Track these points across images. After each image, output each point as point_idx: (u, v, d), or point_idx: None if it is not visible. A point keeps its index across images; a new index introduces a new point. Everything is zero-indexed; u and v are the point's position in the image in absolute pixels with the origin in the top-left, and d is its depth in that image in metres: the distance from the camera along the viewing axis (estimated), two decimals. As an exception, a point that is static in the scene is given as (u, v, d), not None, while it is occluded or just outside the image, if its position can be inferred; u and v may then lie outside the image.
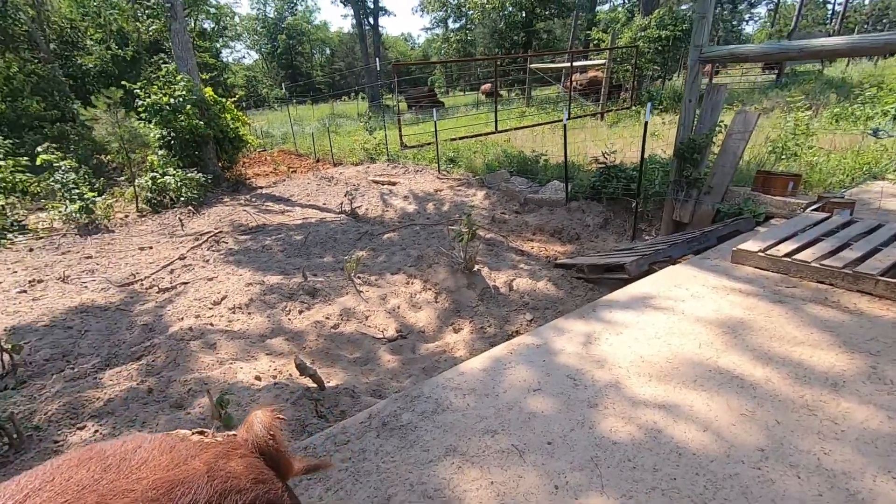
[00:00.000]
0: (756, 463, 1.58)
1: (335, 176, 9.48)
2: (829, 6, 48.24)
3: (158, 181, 6.95)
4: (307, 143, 14.59)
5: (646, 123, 4.89)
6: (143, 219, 6.76)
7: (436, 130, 8.40)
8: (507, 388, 2.07)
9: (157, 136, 7.88)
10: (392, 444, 1.79)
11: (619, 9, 15.38)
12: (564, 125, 5.86)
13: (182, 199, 6.78)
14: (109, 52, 12.11)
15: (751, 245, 3.24)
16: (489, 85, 24.38)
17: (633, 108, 13.67)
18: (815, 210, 3.84)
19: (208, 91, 9.12)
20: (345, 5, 35.72)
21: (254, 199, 7.80)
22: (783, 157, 5.72)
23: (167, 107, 7.61)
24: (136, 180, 7.26)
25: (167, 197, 7.05)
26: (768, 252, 3.12)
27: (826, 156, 5.58)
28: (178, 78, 8.08)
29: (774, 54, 3.87)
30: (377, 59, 34.26)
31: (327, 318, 3.10)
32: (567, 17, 23.37)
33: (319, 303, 3.33)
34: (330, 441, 1.82)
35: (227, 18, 51.76)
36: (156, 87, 7.95)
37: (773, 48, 3.84)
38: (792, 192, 4.12)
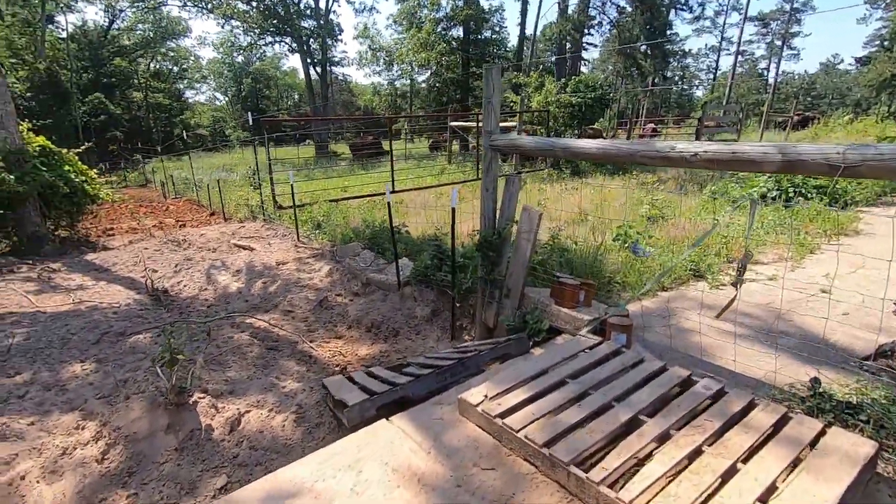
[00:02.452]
0: None
1: (190, 238, 8.51)
2: (765, 76, 53.13)
3: None
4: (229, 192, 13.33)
5: (453, 210, 4.33)
6: None
7: (293, 194, 7.69)
8: None
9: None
10: None
11: (532, 73, 15.74)
12: (388, 202, 5.26)
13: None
14: None
15: (474, 395, 2.55)
16: (443, 136, 24.35)
17: (547, 171, 13.65)
18: (592, 331, 3.26)
19: (39, 140, 8.13)
20: (292, 53, 36.01)
21: (62, 269, 6.68)
22: (626, 245, 5.32)
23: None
24: None
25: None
26: (485, 408, 2.43)
27: (663, 247, 5.20)
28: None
29: (545, 149, 3.42)
30: (323, 106, 34.24)
31: None
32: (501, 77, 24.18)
33: None
34: None
35: (190, 60, 51.50)
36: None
37: (543, 143, 3.39)
38: (585, 302, 3.56)
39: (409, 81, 26.61)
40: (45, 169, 7.86)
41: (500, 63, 21.85)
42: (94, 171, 9.25)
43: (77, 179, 8.58)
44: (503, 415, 2.38)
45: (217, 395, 3.32)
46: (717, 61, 50.68)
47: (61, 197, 8.21)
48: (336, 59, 34.59)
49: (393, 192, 11.18)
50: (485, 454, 2.26)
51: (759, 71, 55.18)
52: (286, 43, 31.37)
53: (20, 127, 7.83)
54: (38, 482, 2.51)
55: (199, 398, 3.15)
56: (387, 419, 2.54)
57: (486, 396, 2.54)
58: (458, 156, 18.77)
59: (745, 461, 2.03)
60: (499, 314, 4.00)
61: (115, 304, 5.21)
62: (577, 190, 10.28)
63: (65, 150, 8.66)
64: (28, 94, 31.90)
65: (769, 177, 8.08)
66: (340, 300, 5.60)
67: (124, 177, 27.64)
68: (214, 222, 11.86)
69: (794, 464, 2.00)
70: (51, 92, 33.77)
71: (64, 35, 37.74)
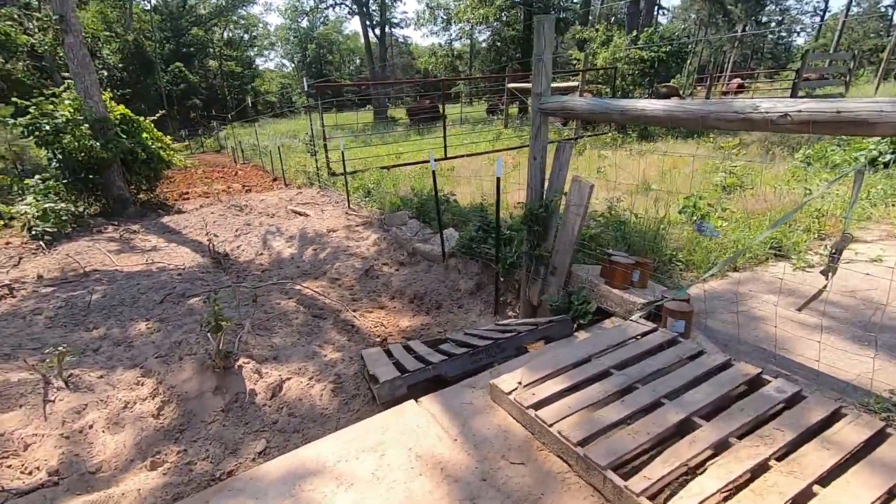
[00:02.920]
0: None
1: (252, 204, 8.88)
2: (889, 16, 44.79)
3: (11, 211, 6.43)
4: (290, 159, 13.72)
5: (497, 180, 4.07)
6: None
7: (343, 161, 7.70)
8: None
9: (46, 157, 7.45)
10: None
11: (598, 27, 14.41)
12: (433, 171, 5.07)
13: (33, 232, 6.25)
14: None
15: (507, 381, 2.39)
16: (501, 99, 23.32)
17: (611, 135, 12.71)
18: (646, 315, 2.94)
19: (120, 109, 8.69)
20: (352, 15, 35.86)
21: (140, 230, 7.24)
22: (693, 219, 4.80)
23: (46, 126, 7.15)
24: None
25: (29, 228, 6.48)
26: (517, 396, 2.26)
27: (738, 221, 4.60)
28: (64, 96, 7.63)
29: (598, 113, 3.02)
30: (381, 69, 34.03)
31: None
32: (565, 32, 22.51)
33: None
34: None
35: (259, 27, 53.36)
36: (40, 104, 7.49)
37: (597, 106, 2.99)
38: (639, 283, 3.22)
39: (468, 41, 25.61)
40: (125, 136, 8.43)
41: (563, 16, 20.18)
42: (169, 137, 9.80)
43: (154, 146, 9.16)
44: (536, 405, 2.21)
45: (261, 360, 3.43)
46: (825, 1, 43.47)
47: (140, 163, 8.82)
48: (395, 21, 34.03)
49: (445, 158, 10.98)
50: (514, 447, 2.11)
51: (882, 10, 46.61)
52: (346, 5, 31.21)
53: (103, 96, 8.39)
54: (103, 432, 2.73)
55: (244, 363, 3.26)
56: (416, 400, 2.47)
57: (519, 384, 2.37)
58: (516, 119, 17.97)
59: (823, 483, 1.72)
60: (543, 292, 3.76)
61: (180, 266, 5.55)
62: (643, 156, 9.45)
63: (142, 118, 9.23)
64: (120, 65, 34.48)
65: (882, 137, 6.88)
66: (386, 269, 5.59)
67: (201, 143, 29.48)
68: (276, 188, 12.33)
69: (892, 493, 1.67)
70: (138, 62, 36.22)
71: (148, 7, 40.05)
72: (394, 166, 9.68)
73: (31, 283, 4.94)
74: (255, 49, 54.85)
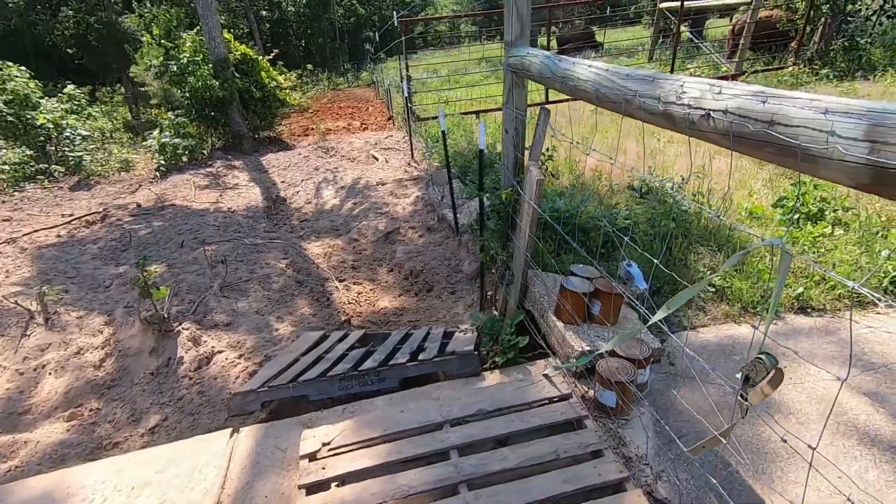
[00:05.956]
0: None
1: (337, 146, 9.07)
2: None
3: (144, 144, 7.62)
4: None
5: (480, 152, 3.20)
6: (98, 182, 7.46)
7: (407, 107, 7.16)
8: None
9: (179, 95, 8.59)
10: None
11: None
12: (442, 131, 4.27)
13: (154, 164, 7.37)
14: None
15: (314, 437, 1.88)
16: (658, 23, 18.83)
17: (790, 69, 9.37)
18: (579, 372, 2.00)
19: (241, 48, 9.41)
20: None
21: (238, 166, 8.01)
22: (793, 213, 3.22)
23: (174, 67, 8.13)
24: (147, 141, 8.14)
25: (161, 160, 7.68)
26: (307, 465, 1.76)
27: (863, 232, 2.86)
28: (185, 37, 8.47)
29: (546, 77, 1.93)
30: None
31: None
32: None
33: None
34: None
35: (431, -52, 52.75)
36: (180, 45, 8.49)
37: (546, 69, 1.89)
38: (601, 317, 2.22)
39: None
40: (239, 76, 9.19)
41: None
42: (282, 76, 10.42)
43: (270, 85, 9.86)
44: (312, 488, 1.71)
45: (210, 326, 3.49)
46: None
47: (255, 101, 9.62)
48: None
49: (546, 102, 9.50)
50: (270, 528, 1.68)
51: None
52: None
53: (225, 36, 9.15)
54: (50, 374, 3.12)
55: (184, 329, 3.35)
56: (235, 430, 2.16)
57: (324, 444, 1.87)
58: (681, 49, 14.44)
59: None
60: (506, 302, 2.95)
61: (234, 208, 6.00)
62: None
63: (260, 58, 9.91)
64: (303, 3, 37.88)
65: None
66: (410, 235, 5.18)
67: (356, 76, 31.18)
68: (388, 127, 12.46)
69: None
70: (317, -1, 39.21)
71: (327, -61, 42.22)
72: (481, 111, 8.75)
73: (124, 212, 5.90)
74: (428, -24, 54.26)
